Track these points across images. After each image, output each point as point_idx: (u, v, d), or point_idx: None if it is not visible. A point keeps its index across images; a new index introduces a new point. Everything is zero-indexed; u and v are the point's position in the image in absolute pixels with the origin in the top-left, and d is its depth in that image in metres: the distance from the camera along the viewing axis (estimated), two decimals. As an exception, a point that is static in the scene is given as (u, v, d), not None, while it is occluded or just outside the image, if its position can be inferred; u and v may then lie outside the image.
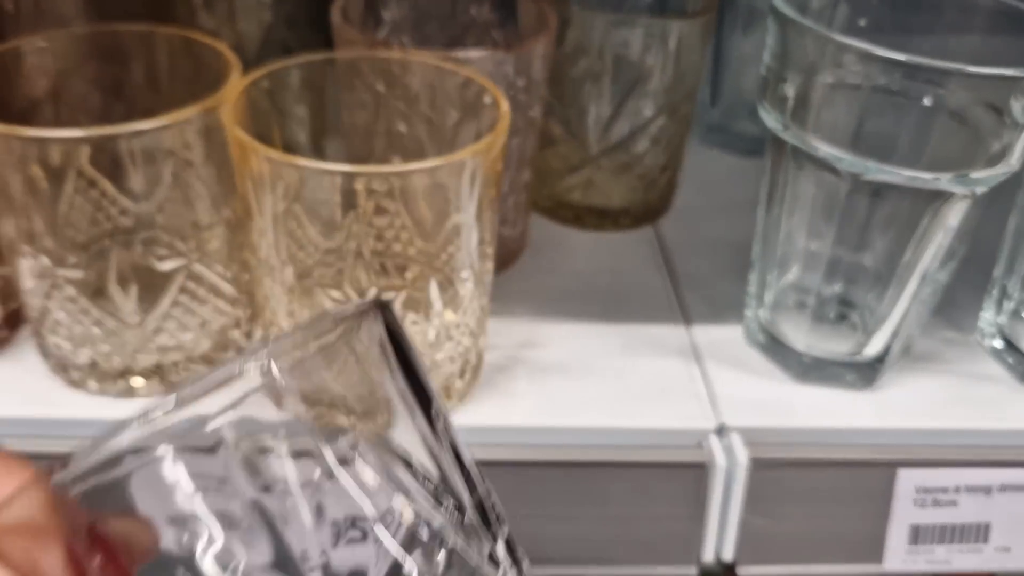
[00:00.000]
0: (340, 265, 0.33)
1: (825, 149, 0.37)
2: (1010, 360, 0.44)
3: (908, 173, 0.36)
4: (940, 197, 0.37)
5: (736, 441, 0.40)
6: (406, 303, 0.35)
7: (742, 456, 0.39)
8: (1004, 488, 0.41)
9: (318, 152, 0.41)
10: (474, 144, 0.32)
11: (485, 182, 0.33)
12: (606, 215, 0.52)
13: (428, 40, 0.47)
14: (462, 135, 0.39)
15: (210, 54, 0.38)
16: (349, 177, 0.31)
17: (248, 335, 0.42)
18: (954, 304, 0.47)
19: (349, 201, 0.32)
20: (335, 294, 0.34)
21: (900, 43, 0.35)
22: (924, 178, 0.36)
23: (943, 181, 0.36)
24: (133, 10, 0.48)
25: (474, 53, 0.39)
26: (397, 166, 0.31)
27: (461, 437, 0.25)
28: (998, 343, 0.45)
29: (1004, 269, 0.45)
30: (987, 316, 0.46)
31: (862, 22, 0.43)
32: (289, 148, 0.39)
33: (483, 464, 0.39)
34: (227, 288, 0.39)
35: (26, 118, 0.40)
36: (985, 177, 0.36)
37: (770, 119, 0.39)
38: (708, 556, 0.40)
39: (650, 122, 0.48)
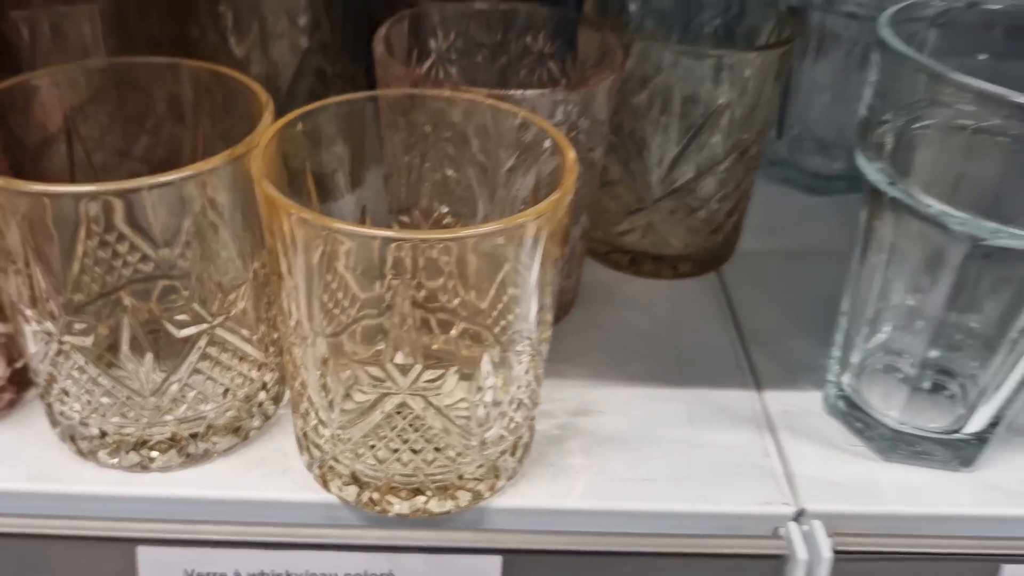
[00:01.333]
0: (380, 337, 0.29)
1: (937, 207, 0.32)
2: None
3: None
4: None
5: (818, 529, 0.35)
6: (455, 378, 0.31)
7: (825, 547, 0.34)
8: (1125, 590, 0.36)
9: (359, 198, 0.37)
10: (538, 204, 0.28)
11: (548, 244, 0.29)
12: (665, 261, 0.47)
13: (478, 71, 0.43)
14: (517, 182, 0.35)
15: (241, 90, 0.34)
16: (389, 243, 0.27)
17: (276, 399, 0.38)
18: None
19: (390, 267, 0.28)
20: (374, 371, 0.30)
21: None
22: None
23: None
24: (159, 38, 0.45)
25: (532, 92, 0.35)
26: (444, 232, 0.27)
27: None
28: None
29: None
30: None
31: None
32: (326, 194, 0.35)
33: (533, 553, 0.34)
34: (253, 352, 0.35)
35: (40, 155, 0.36)
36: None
37: (870, 170, 0.34)
38: (786, 660, 0.36)
39: (718, 163, 0.44)
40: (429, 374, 0.30)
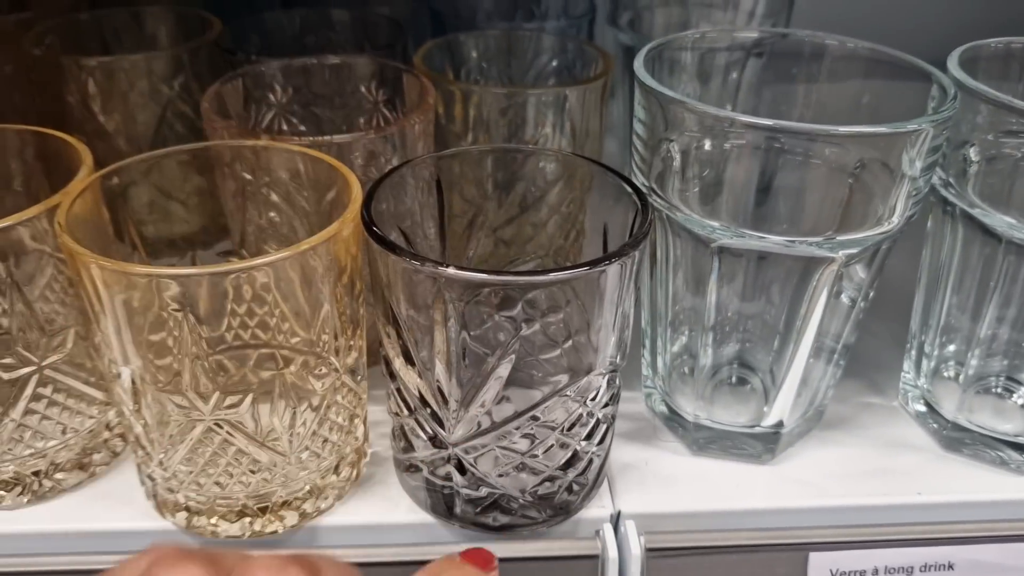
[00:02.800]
0: (179, 368, 0.32)
1: (693, 217, 0.35)
2: (933, 425, 0.42)
3: None
4: None
5: (630, 529, 0.37)
6: (259, 399, 0.33)
7: (635, 546, 0.37)
8: (926, 568, 0.38)
9: (191, 244, 0.40)
10: (318, 234, 0.31)
11: (334, 268, 0.32)
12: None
13: (320, 120, 0.47)
14: (334, 219, 0.38)
15: (65, 147, 0.37)
16: (173, 279, 0.30)
17: (123, 436, 0.40)
18: (876, 366, 0.45)
19: (178, 301, 0.30)
20: (178, 399, 0.32)
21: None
22: None
23: None
24: (22, 102, 0.48)
25: (346, 136, 0.38)
26: (227, 265, 0.30)
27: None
28: (920, 407, 0.43)
29: (920, 324, 0.43)
30: (907, 377, 0.44)
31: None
32: (156, 243, 0.38)
33: (365, 566, 0.37)
34: (91, 391, 0.37)
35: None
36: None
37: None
38: (609, 655, 0.38)
39: (550, 189, 0.47)
40: (230, 399, 0.32)
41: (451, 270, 0.30)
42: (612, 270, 0.31)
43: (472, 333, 0.32)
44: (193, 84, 0.50)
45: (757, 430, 0.40)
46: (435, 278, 0.30)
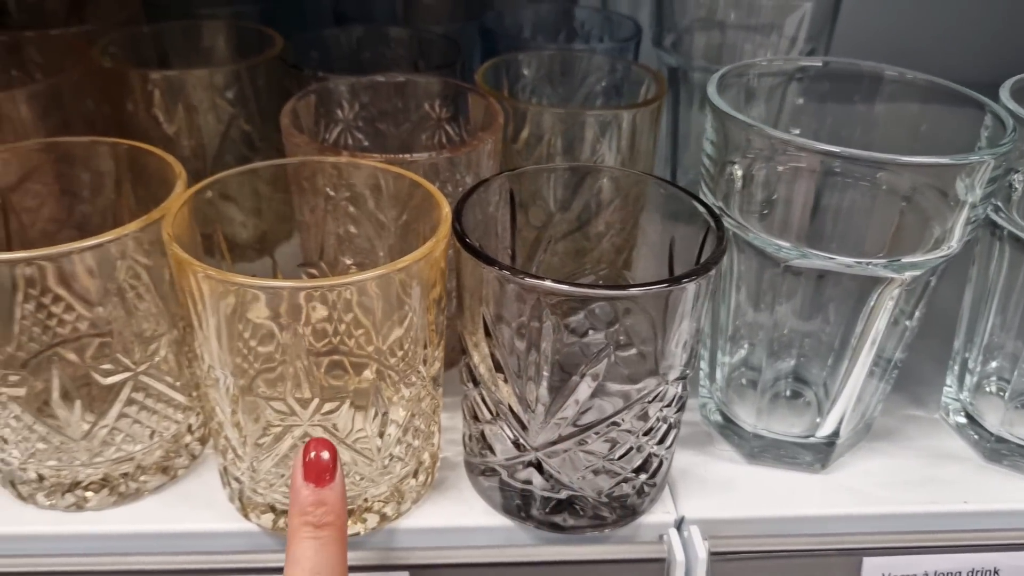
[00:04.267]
0: (281, 375, 0.33)
1: (762, 237, 0.37)
2: (975, 436, 0.44)
3: None
4: None
5: (695, 534, 0.39)
6: (351, 410, 0.35)
7: (701, 550, 0.38)
8: (974, 573, 0.40)
9: (269, 252, 0.41)
10: (416, 251, 0.32)
11: (427, 284, 0.34)
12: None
13: (383, 136, 0.48)
14: (410, 235, 0.40)
15: (158, 162, 0.38)
16: (281, 291, 0.31)
17: (203, 440, 0.41)
18: (918, 380, 0.47)
19: (286, 312, 0.32)
20: (278, 406, 0.33)
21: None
22: None
23: None
24: (93, 115, 0.50)
25: (421, 155, 0.40)
26: (334, 279, 0.31)
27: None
28: (961, 419, 0.45)
29: (964, 342, 0.45)
30: (950, 391, 0.46)
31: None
32: (239, 252, 0.40)
33: (437, 567, 0.38)
34: (178, 397, 0.38)
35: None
36: None
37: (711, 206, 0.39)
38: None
39: (605, 207, 0.49)
40: (328, 406, 0.34)
41: (550, 283, 0.31)
42: (693, 286, 0.33)
43: (565, 343, 0.33)
44: (255, 97, 0.51)
45: (811, 441, 0.42)
46: (534, 291, 0.32)
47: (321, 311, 0.32)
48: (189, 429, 0.40)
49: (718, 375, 0.43)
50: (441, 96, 0.47)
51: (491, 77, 0.51)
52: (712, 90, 0.39)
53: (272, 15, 0.57)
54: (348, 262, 0.41)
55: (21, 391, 0.35)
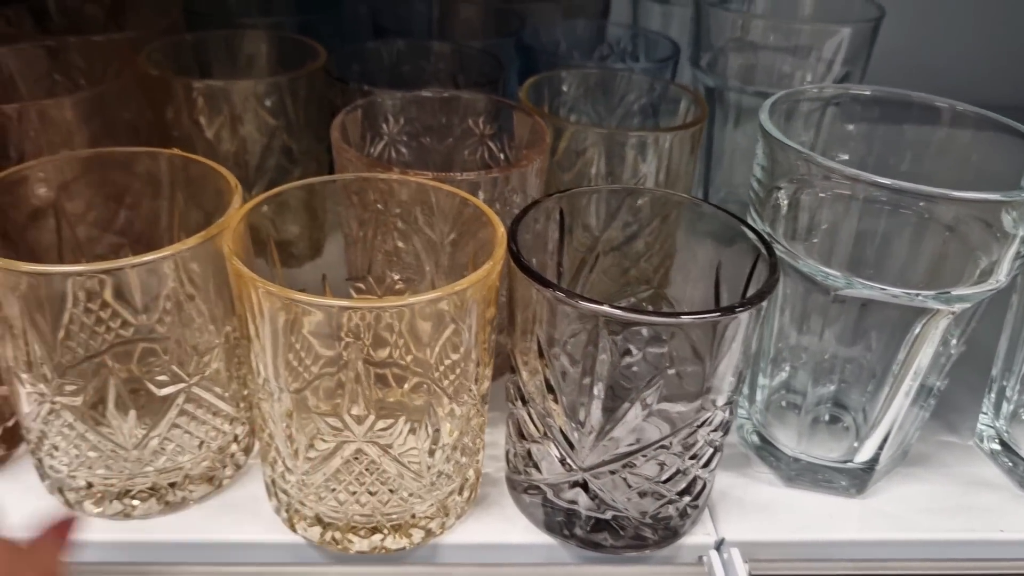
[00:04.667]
0: (338, 391, 0.33)
1: (811, 264, 0.38)
2: (1009, 464, 0.44)
3: None
4: None
5: (736, 557, 0.39)
6: (405, 427, 0.35)
7: (742, 572, 0.39)
8: (1008, 600, 0.41)
9: (318, 266, 0.42)
10: (473, 273, 0.33)
11: (483, 306, 0.34)
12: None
13: (427, 151, 0.49)
14: (459, 250, 0.40)
15: (212, 173, 0.39)
16: (344, 310, 0.31)
17: (247, 451, 0.42)
18: (953, 407, 0.48)
19: (346, 331, 0.32)
20: (333, 421, 0.34)
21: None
22: None
23: None
24: (136, 122, 0.50)
25: (471, 174, 0.40)
26: (392, 300, 0.32)
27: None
28: (996, 446, 0.45)
29: (1001, 370, 0.45)
30: (985, 418, 0.46)
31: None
32: (289, 262, 0.40)
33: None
34: (226, 408, 0.39)
35: (29, 231, 0.40)
36: None
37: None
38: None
39: (645, 226, 0.49)
40: (382, 423, 0.34)
41: (610, 308, 0.32)
42: (746, 315, 0.33)
43: (619, 366, 0.34)
44: (297, 108, 0.51)
45: (849, 466, 0.42)
46: (593, 316, 0.32)
47: (379, 330, 0.32)
48: (235, 439, 0.40)
49: (758, 397, 0.44)
50: (486, 112, 0.48)
51: (532, 94, 0.51)
52: (764, 116, 0.39)
53: (311, 27, 0.57)
54: (395, 277, 0.42)
55: (76, 400, 0.35)
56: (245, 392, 0.40)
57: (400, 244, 0.41)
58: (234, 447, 0.40)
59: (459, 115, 0.48)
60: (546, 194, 0.40)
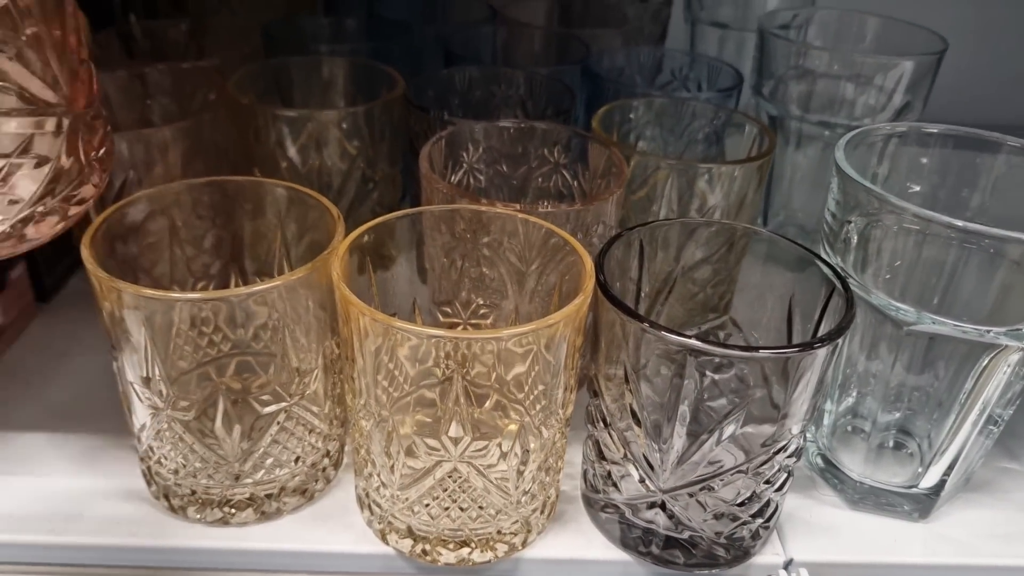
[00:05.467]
0: (436, 413, 0.36)
1: (881, 298, 0.39)
2: (1068, 492, 0.45)
3: None
4: None
5: (804, 576, 0.41)
6: (498, 448, 0.37)
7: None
8: (1069, 626, 0.42)
9: (410, 291, 0.43)
10: (564, 308, 0.35)
11: (573, 336, 0.36)
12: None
13: (503, 178, 0.51)
14: (543, 279, 0.42)
15: (315, 204, 0.41)
16: (444, 339, 0.33)
17: (336, 465, 0.44)
18: (1011, 432, 0.49)
19: (444, 357, 0.34)
20: (431, 442, 0.36)
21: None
22: None
23: None
24: (225, 146, 0.52)
25: (556, 208, 0.42)
26: (489, 332, 0.34)
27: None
28: (1055, 474, 0.46)
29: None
30: (1044, 446, 0.47)
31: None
32: (384, 287, 0.42)
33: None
34: (321, 426, 0.41)
35: (146, 256, 0.43)
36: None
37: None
38: None
39: (712, 254, 0.51)
40: (477, 444, 0.36)
41: (698, 342, 0.34)
42: (824, 350, 0.35)
43: (702, 396, 0.35)
44: (377, 135, 0.54)
45: (913, 491, 0.43)
46: (681, 348, 0.34)
47: (475, 358, 0.35)
48: (327, 455, 0.43)
49: (824, 421, 0.45)
50: (561, 142, 0.49)
51: (604, 122, 0.53)
52: (840, 154, 0.41)
53: (383, 53, 0.60)
54: (480, 302, 0.44)
55: (188, 415, 0.38)
56: (337, 411, 0.42)
57: (486, 271, 0.43)
58: (326, 462, 0.43)
59: (535, 144, 0.50)
60: (627, 227, 0.42)
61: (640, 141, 0.56)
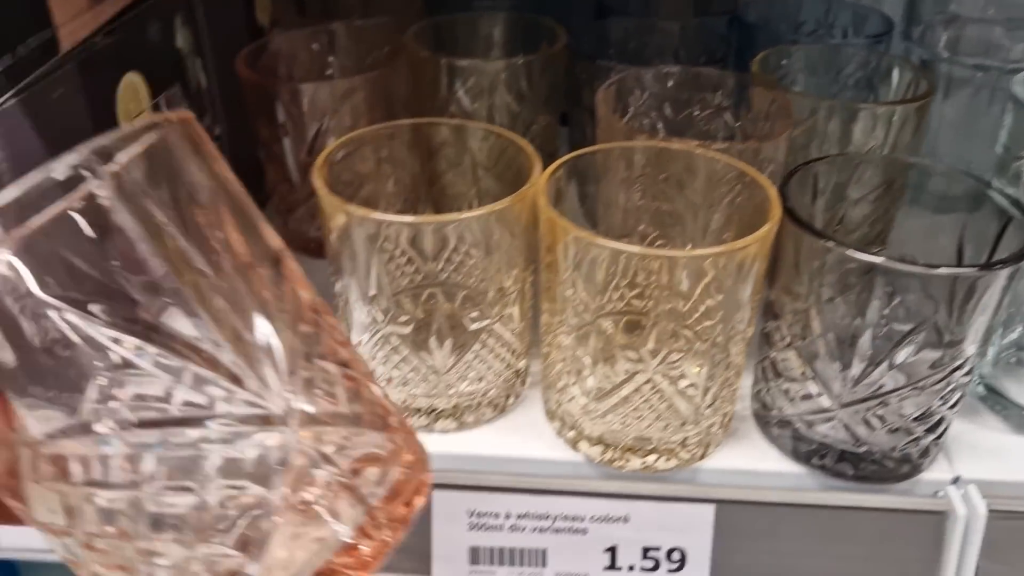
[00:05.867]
0: (638, 327, 0.39)
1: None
2: None
3: None
4: None
5: (973, 491, 0.43)
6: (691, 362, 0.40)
7: (980, 505, 0.42)
8: None
9: (590, 223, 0.47)
10: (759, 231, 0.37)
11: (761, 262, 0.39)
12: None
13: (667, 122, 0.53)
14: (717, 216, 0.45)
15: (512, 146, 0.45)
16: (643, 258, 0.37)
17: (523, 381, 0.48)
18: None
19: (643, 275, 0.38)
20: (631, 354, 0.39)
21: None
22: None
23: None
24: (411, 100, 0.57)
25: (734, 144, 0.45)
26: (689, 251, 0.37)
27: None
28: None
29: None
30: None
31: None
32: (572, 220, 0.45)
33: (738, 503, 0.43)
34: (516, 344, 0.45)
35: (360, 188, 0.47)
36: None
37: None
38: (945, 598, 0.44)
39: (869, 193, 0.52)
40: (672, 357, 0.40)
41: (886, 260, 0.36)
42: (1006, 271, 0.37)
43: (886, 315, 0.38)
44: (542, 84, 0.57)
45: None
46: (871, 267, 0.37)
47: (674, 278, 0.38)
48: (517, 372, 0.47)
49: (988, 353, 0.47)
50: (725, 87, 0.52)
51: (761, 68, 0.55)
52: (1019, 88, 0.42)
53: (540, 6, 0.63)
54: (655, 235, 0.47)
55: (406, 329, 0.42)
56: (526, 333, 0.46)
57: (663, 206, 0.46)
58: (516, 379, 0.47)
59: (698, 89, 0.53)
60: (802, 162, 0.44)
61: (795, 88, 0.58)
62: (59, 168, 0.24)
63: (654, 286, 0.38)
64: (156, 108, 0.50)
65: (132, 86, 0.47)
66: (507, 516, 0.45)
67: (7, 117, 0.37)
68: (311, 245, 0.60)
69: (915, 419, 0.41)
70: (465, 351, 0.43)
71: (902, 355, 0.39)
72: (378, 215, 0.39)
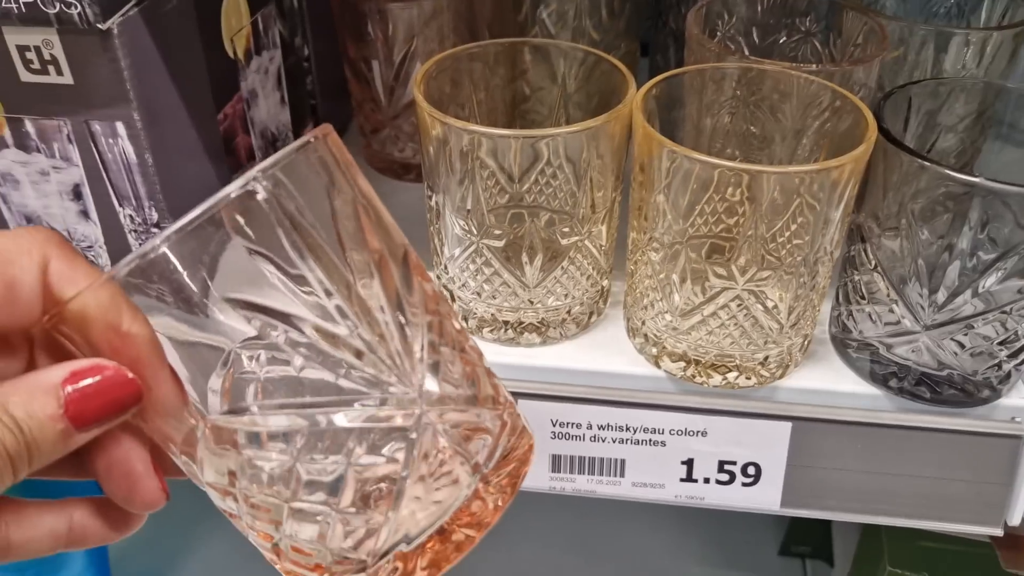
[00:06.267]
0: (729, 244, 0.40)
1: None
2: None
3: None
4: None
5: (1047, 419, 0.44)
6: (778, 282, 0.41)
7: (1054, 433, 0.43)
8: None
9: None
10: (854, 152, 0.38)
11: (854, 184, 0.39)
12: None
13: (754, 47, 0.53)
14: (806, 137, 0.45)
15: (607, 66, 0.46)
16: (750, 173, 0.37)
17: (605, 300, 0.49)
18: None
19: (744, 190, 0.38)
20: (720, 270, 0.40)
21: None
22: None
23: None
24: (493, 22, 0.57)
25: (829, 66, 0.44)
26: (785, 168, 0.37)
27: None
28: None
29: None
30: None
31: None
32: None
33: (813, 421, 0.45)
34: (602, 261, 0.46)
35: (451, 108, 0.48)
36: None
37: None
38: (1015, 520, 0.45)
39: (958, 123, 0.52)
40: (762, 274, 0.40)
41: (985, 180, 0.36)
42: None
43: (977, 238, 0.38)
44: (620, 10, 0.57)
45: None
46: (967, 186, 0.37)
47: (772, 196, 0.38)
48: (600, 291, 0.48)
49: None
50: (815, 11, 0.52)
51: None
52: None
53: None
54: (742, 159, 0.47)
55: (500, 243, 0.44)
56: (610, 257, 0.47)
57: (753, 128, 0.46)
58: (599, 297, 0.48)
59: (787, 13, 0.52)
60: (897, 86, 0.44)
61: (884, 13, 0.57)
62: (232, 188, 0.26)
63: (746, 203, 0.39)
64: (254, 25, 0.51)
65: (235, 2, 0.48)
66: (588, 427, 0.47)
67: (129, 26, 0.39)
68: (395, 166, 0.61)
69: (999, 343, 0.41)
70: (554, 267, 0.45)
71: (990, 281, 0.39)
72: (475, 127, 0.40)
